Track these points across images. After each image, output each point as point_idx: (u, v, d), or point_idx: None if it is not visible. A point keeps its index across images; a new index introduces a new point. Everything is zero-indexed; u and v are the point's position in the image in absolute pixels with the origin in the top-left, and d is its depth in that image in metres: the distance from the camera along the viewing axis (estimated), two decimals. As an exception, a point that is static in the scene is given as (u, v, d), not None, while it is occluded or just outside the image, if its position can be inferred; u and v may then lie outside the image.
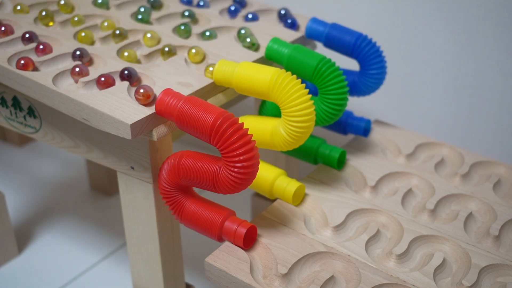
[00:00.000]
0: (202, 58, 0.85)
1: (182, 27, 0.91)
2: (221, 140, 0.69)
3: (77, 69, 0.78)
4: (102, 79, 0.77)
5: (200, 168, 0.73)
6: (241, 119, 0.84)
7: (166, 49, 0.85)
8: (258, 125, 0.81)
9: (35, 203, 1.22)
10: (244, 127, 0.71)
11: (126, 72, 0.78)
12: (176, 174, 0.75)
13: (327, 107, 0.83)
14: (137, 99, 0.74)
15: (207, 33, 0.91)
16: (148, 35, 0.87)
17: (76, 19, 0.90)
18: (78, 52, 0.82)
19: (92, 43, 0.87)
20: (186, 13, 0.95)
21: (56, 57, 0.82)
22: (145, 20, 0.92)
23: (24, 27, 0.88)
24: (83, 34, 0.87)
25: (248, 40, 0.88)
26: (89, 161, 1.24)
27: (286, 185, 0.82)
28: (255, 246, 0.76)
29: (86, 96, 0.75)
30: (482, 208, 0.83)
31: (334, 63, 0.83)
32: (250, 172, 0.70)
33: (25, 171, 1.32)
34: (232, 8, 0.98)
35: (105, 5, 0.95)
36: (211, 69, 0.82)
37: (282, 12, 0.97)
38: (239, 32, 0.91)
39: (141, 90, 0.74)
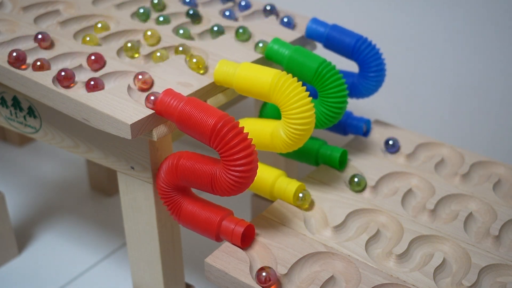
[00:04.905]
0: (202, 65, 0.84)
1: (181, 31, 0.90)
2: (221, 143, 0.69)
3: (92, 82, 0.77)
4: (92, 82, 0.77)
5: (199, 170, 0.73)
6: (241, 122, 0.83)
7: (181, 48, 0.86)
8: (258, 127, 0.81)
9: (35, 203, 1.22)
10: (244, 131, 0.71)
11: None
12: (174, 175, 0.75)
13: (327, 110, 0.83)
14: (147, 106, 0.74)
15: (215, 28, 0.91)
16: (149, 33, 0.87)
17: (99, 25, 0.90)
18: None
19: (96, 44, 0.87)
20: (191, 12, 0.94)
21: (56, 57, 0.82)
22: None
23: (24, 27, 0.88)
24: (88, 38, 0.86)
25: (261, 45, 0.88)
26: (89, 161, 1.23)
27: (287, 185, 0.82)
28: (255, 246, 0.76)
29: (86, 96, 0.75)
30: (482, 208, 0.83)
31: (334, 66, 0.83)
32: (248, 176, 0.70)
33: (25, 171, 1.32)
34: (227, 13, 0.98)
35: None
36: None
37: (285, 20, 0.96)
38: (237, 31, 0.90)
39: (152, 98, 0.74)
